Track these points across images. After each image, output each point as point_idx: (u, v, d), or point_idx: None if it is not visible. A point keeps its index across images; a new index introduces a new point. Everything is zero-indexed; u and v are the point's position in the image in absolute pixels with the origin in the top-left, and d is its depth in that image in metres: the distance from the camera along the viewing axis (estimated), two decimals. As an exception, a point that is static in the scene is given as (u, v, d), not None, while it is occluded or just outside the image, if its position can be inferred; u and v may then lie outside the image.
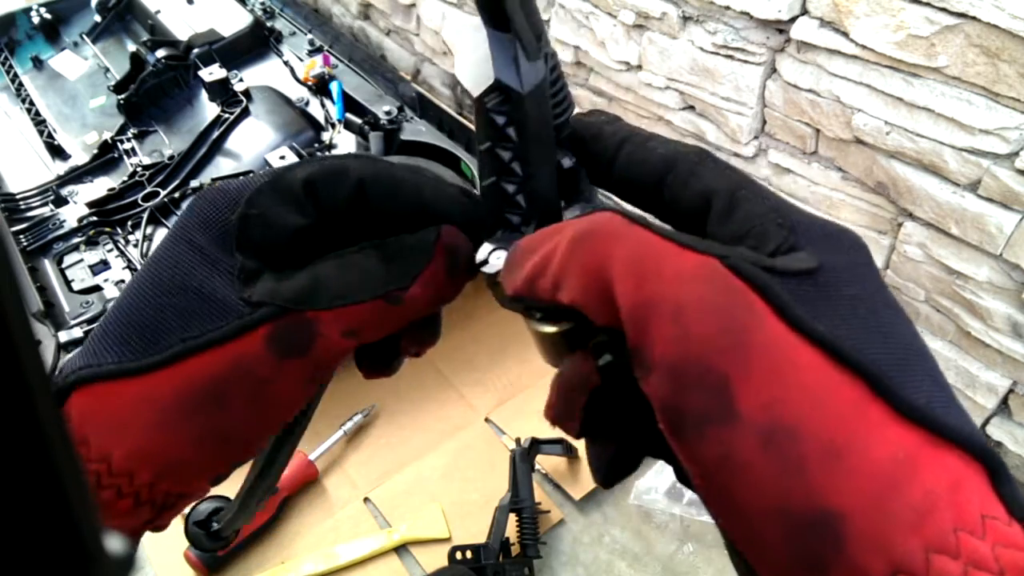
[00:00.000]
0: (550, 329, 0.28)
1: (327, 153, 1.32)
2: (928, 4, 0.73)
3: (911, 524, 0.20)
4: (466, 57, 0.29)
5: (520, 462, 0.94)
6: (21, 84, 1.67)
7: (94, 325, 1.09)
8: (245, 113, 1.43)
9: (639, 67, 1.09)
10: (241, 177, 0.30)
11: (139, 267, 1.20)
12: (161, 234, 1.27)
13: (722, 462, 0.21)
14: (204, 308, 0.27)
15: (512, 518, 0.91)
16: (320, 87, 1.48)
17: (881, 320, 0.23)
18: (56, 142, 1.50)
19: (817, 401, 0.21)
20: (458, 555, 0.89)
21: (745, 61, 0.94)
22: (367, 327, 0.29)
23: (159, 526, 0.29)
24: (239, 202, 0.29)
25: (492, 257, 0.30)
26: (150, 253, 0.30)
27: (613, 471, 0.28)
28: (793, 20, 0.86)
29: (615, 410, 0.27)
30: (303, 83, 1.50)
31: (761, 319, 0.21)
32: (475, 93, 0.29)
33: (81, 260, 1.23)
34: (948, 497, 0.20)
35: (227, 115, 1.42)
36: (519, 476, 0.93)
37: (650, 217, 0.26)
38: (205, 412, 0.27)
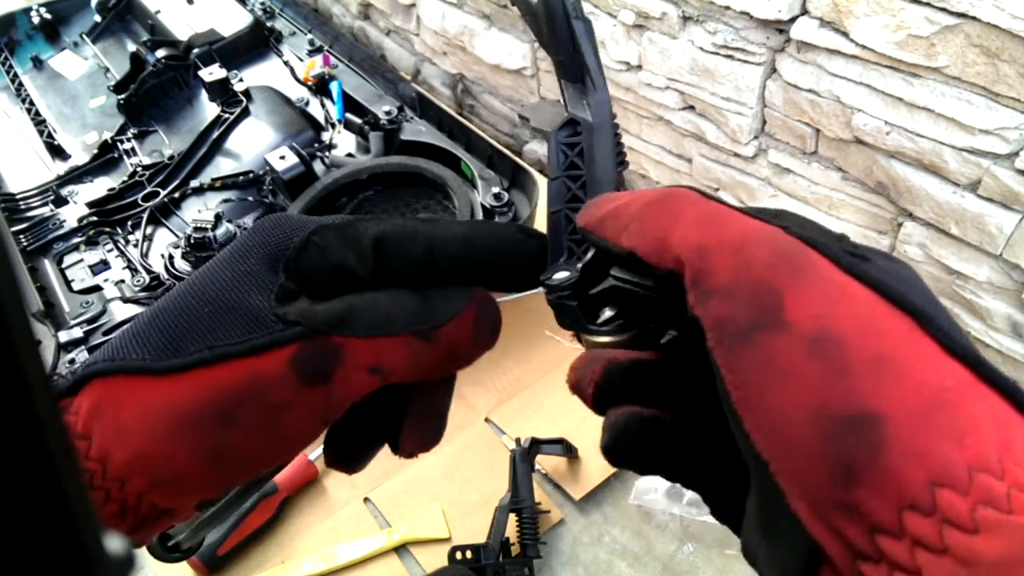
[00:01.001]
0: (607, 339, 0.30)
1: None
2: (928, 4, 0.73)
3: (955, 439, 0.19)
4: (540, 115, 0.36)
5: (520, 462, 0.94)
6: (21, 84, 1.67)
7: (94, 325, 1.09)
8: (245, 113, 1.43)
9: (639, 67, 1.09)
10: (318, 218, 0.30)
11: (139, 267, 1.19)
12: (161, 234, 1.27)
13: (764, 366, 0.21)
14: (235, 318, 0.27)
15: (512, 518, 0.91)
16: (320, 87, 1.48)
17: (933, 298, 0.23)
18: (56, 142, 1.50)
19: (866, 322, 0.21)
20: (458, 555, 0.89)
21: (745, 61, 0.94)
22: (394, 363, 0.28)
23: (137, 541, 0.28)
24: (303, 231, 0.29)
25: (556, 275, 0.31)
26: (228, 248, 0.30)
27: (645, 437, 0.26)
28: (793, 20, 0.86)
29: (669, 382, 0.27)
30: (303, 83, 1.50)
31: (817, 261, 0.22)
32: (548, 129, 0.34)
33: (81, 260, 1.23)
34: (992, 428, 0.20)
35: (227, 115, 1.42)
36: (519, 476, 0.93)
37: None
38: (215, 428, 0.26)
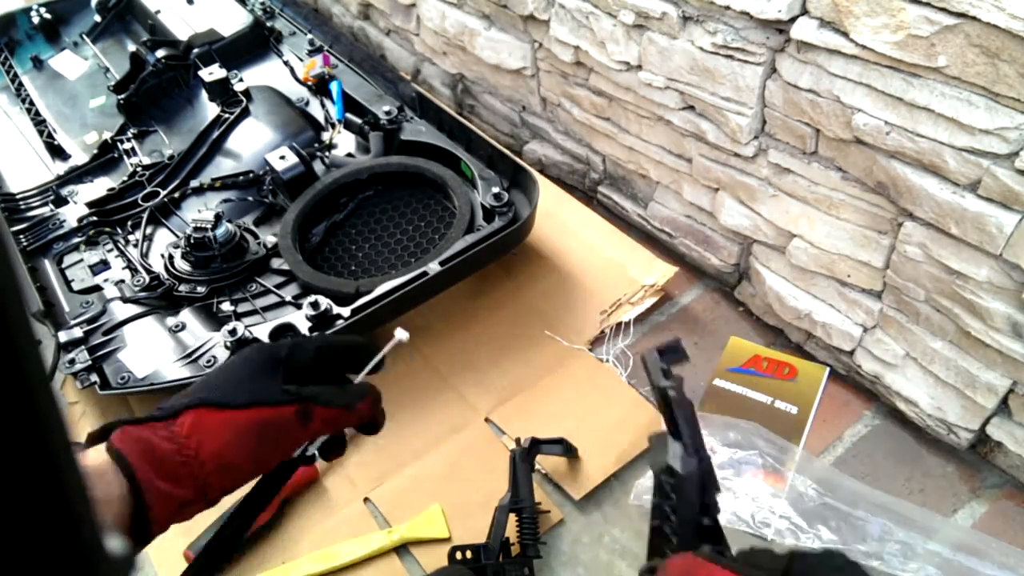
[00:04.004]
0: None
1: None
2: (928, 4, 0.73)
3: None
4: (658, 452, 0.56)
5: (520, 462, 0.94)
6: (21, 84, 1.67)
7: (94, 325, 1.09)
8: (245, 113, 1.43)
9: (639, 67, 1.09)
10: (290, 340, 0.64)
11: (139, 267, 1.19)
12: (161, 234, 1.27)
13: None
14: (263, 387, 0.59)
15: (512, 518, 0.91)
16: (320, 87, 1.48)
17: None
18: (56, 142, 1.50)
19: None
20: (458, 555, 0.89)
21: (745, 61, 0.94)
22: (334, 421, 0.63)
23: (186, 514, 0.55)
24: (282, 351, 0.62)
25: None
26: (240, 353, 0.64)
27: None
28: (793, 20, 0.86)
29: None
30: (303, 83, 1.50)
31: None
32: (655, 470, 0.53)
33: (81, 260, 1.23)
34: None
35: (227, 115, 1.42)
36: (519, 476, 0.93)
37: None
38: (254, 439, 0.56)
